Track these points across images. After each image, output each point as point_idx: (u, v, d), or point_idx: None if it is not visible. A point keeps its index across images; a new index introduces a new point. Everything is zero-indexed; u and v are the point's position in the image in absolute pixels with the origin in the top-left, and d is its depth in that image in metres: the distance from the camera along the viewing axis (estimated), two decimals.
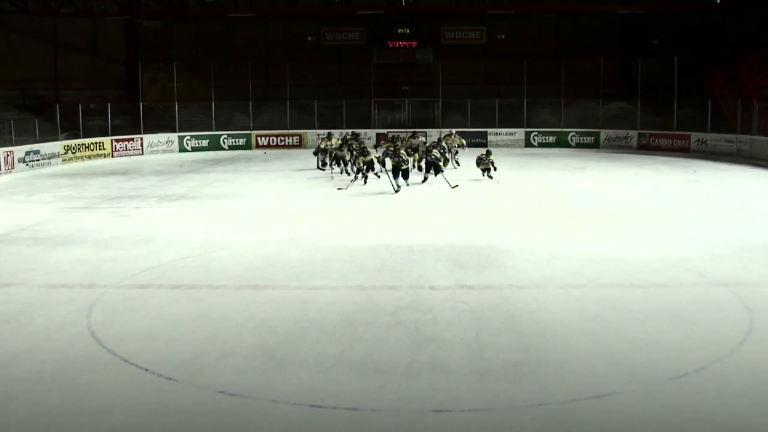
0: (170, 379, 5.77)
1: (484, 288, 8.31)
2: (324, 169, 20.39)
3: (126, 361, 6.14)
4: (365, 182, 17.37)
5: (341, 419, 5.13)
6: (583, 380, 5.68)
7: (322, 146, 20.74)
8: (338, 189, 16.91)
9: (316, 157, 21.05)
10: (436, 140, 20.71)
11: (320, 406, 5.25)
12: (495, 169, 17.96)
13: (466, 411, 5.22)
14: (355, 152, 18.42)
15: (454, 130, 22.31)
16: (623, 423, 5.05)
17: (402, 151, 17.16)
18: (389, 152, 17.19)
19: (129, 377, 5.84)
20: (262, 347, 6.43)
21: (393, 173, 16.55)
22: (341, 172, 19.47)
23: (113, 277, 8.89)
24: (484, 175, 18.17)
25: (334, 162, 19.89)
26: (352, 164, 18.53)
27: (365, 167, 17.30)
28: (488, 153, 18.55)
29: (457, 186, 16.50)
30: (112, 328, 6.99)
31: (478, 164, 18.33)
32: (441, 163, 17.67)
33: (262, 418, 5.17)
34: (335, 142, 20.44)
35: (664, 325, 6.96)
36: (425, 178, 17.82)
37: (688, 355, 6.19)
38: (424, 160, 18.11)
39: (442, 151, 18.63)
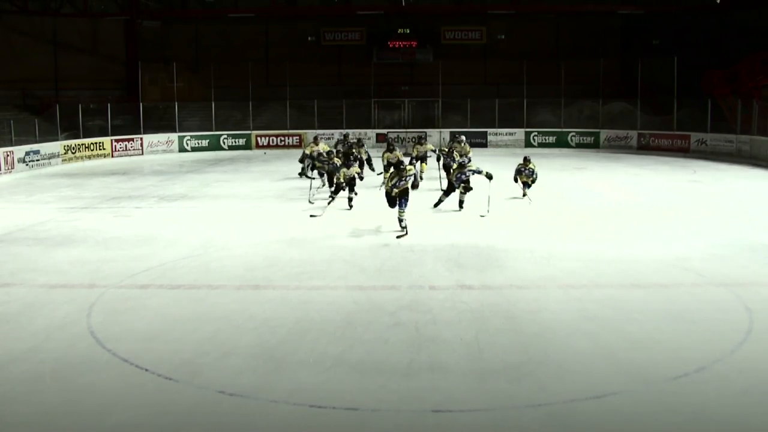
0: (170, 379, 5.76)
1: (484, 288, 8.31)
2: (304, 176, 18.14)
3: (126, 361, 6.13)
4: (350, 205, 13.97)
5: (341, 419, 5.13)
6: (583, 380, 5.68)
7: (308, 152, 18.11)
8: (310, 205, 14.36)
9: (301, 165, 18.83)
10: (447, 149, 16.83)
11: (320, 406, 5.25)
12: (534, 181, 14.89)
13: (466, 411, 5.22)
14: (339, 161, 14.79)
15: (463, 136, 18.86)
16: (623, 423, 5.05)
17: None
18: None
19: (129, 377, 5.84)
20: (262, 347, 6.43)
21: (389, 202, 11.85)
22: (323, 185, 16.47)
23: (113, 277, 8.89)
24: (525, 190, 14.83)
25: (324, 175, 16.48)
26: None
27: (345, 184, 13.91)
28: (527, 160, 14.94)
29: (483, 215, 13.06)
30: (112, 328, 6.98)
31: (516, 176, 15.05)
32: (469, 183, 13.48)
33: (262, 418, 5.17)
34: (323, 147, 17.49)
35: (664, 325, 6.96)
36: (461, 203, 13.60)
37: (688, 355, 6.19)
38: (458, 180, 13.45)
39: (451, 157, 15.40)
